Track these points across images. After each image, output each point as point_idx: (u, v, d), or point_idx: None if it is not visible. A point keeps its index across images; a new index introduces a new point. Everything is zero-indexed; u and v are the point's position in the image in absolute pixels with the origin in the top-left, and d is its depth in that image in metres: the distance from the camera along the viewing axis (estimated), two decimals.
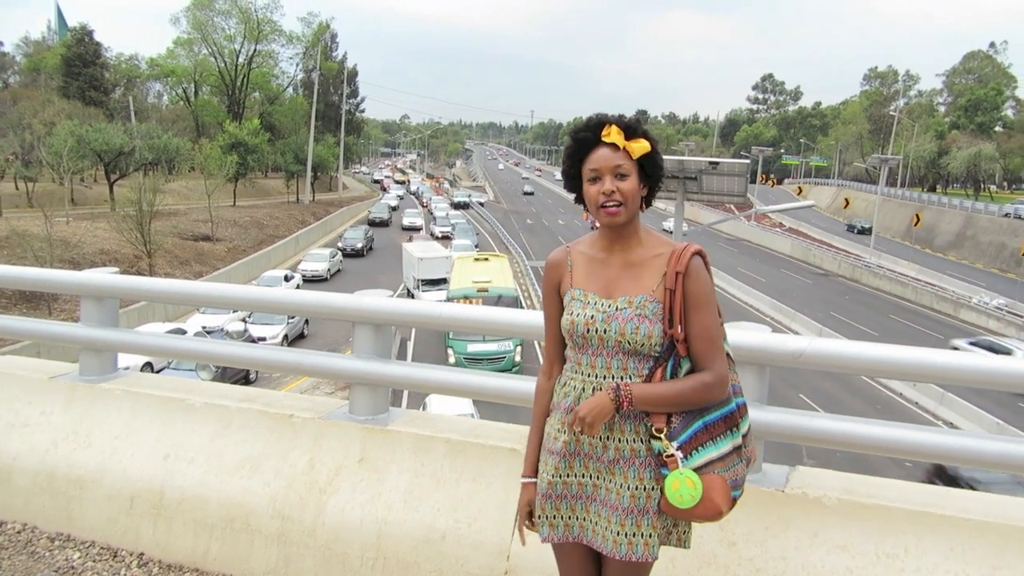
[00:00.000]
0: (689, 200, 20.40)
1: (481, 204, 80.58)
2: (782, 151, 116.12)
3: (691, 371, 1.98)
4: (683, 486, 1.90)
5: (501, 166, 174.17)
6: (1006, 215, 54.64)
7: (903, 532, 2.57)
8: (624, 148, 1.98)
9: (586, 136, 2.01)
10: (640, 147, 1.98)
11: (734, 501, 1.98)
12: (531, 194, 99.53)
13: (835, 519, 2.65)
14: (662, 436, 1.94)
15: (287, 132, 67.32)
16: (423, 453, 3.21)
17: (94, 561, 3.39)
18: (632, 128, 1.99)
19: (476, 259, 29.40)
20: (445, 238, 50.26)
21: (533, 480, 2.15)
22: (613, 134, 1.98)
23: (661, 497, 1.96)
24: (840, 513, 2.65)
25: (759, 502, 2.70)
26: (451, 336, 21.89)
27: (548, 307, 2.17)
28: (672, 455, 1.93)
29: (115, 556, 3.43)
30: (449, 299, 22.46)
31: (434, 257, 32.58)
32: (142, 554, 3.43)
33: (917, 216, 56.56)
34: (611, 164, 1.97)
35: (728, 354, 2.05)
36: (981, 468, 2.67)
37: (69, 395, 3.86)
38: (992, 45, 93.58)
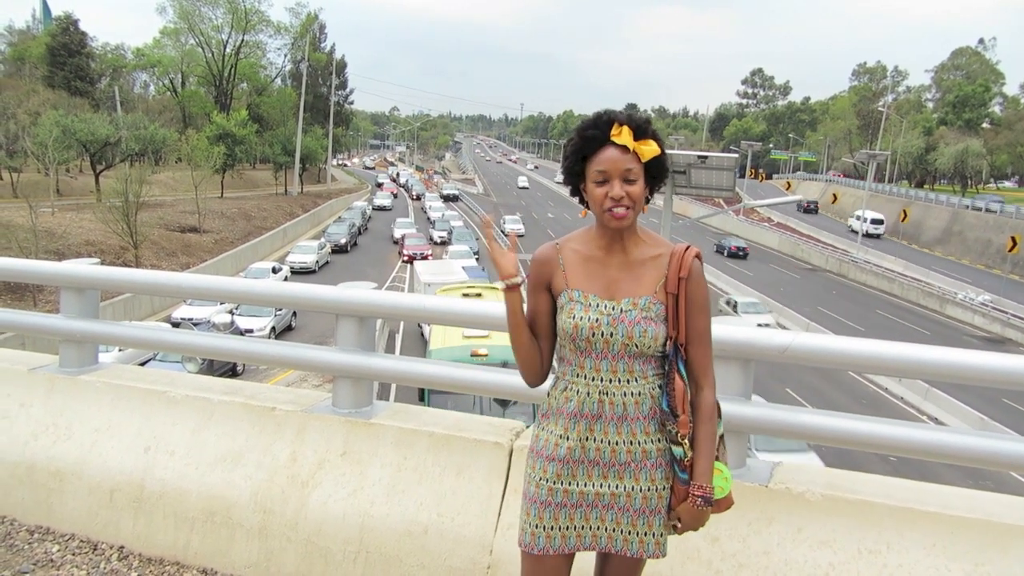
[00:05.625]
0: (678, 194, 20.41)
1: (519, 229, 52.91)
2: (771, 146, 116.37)
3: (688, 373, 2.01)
4: (717, 479, 1.99)
5: (524, 182, 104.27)
6: (981, 208, 54.84)
7: (885, 528, 2.58)
8: (634, 150, 1.92)
9: (595, 134, 1.93)
10: (650, 150, 1.93)
11: None
12: None
13: (818, 515, 2.65)
14: (685, 441, 1.96)
15: (275, 123, 66.73)
16: (406, 447, 3.19)
17: (73, 554, 3.36)
18: (642, 128, 1.93)
19: (465, 294, 19.84)
20: (444, 243, 47.07)
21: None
22: (624, 135, 1.91)
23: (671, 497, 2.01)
24: (823, 509, 2.65)
25: (743, 497, 2.69)
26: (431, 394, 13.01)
27: (536, 303, 2.08)
28: None
29: (95, 549, 3.40)
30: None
31: (441, 283, 25.08)
32: (122, 547, 3.40)
33: (904, 212, 56.81)
34: (621, 168, 1.90)
35: None
36: (965, 465, 2.67)
37: (49, 387, 3.81)
38: (981, 41, 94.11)
